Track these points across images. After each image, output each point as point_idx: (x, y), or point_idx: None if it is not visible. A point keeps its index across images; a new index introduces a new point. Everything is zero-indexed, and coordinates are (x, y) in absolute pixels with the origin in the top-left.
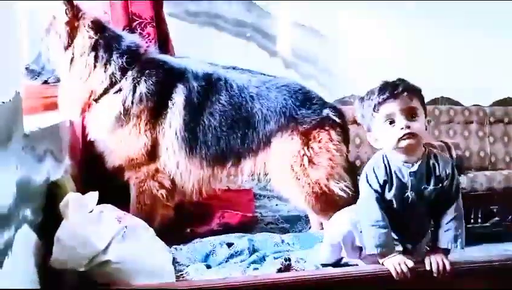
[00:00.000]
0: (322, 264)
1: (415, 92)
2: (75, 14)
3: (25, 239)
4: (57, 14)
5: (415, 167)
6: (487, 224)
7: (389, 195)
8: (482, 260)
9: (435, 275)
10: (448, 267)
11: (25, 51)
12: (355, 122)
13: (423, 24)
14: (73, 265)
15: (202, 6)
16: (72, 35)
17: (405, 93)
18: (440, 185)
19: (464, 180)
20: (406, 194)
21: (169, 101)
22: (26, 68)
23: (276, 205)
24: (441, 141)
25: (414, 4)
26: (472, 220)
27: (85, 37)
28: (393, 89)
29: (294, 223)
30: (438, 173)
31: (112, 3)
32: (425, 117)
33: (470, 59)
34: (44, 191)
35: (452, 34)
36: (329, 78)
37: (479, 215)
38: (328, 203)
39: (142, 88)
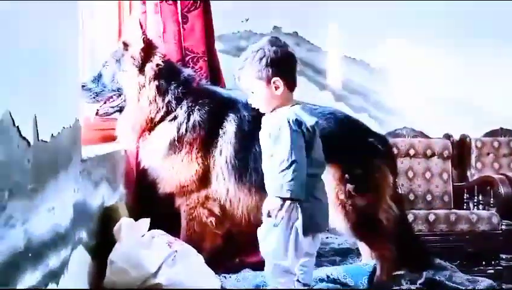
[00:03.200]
0: None
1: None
2: (148, 43)
3: (80, 259)
4: (130, 41)
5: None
6: None
7: None
8: None
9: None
10: (281, 215)
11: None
12: (407, 155)
13: (476, 52)
14: (125, 287)
15: (253, 42)
16: (145, 61)
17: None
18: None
19: None
20: None
21: (220, 130)
22: (83, 86)
23: (327, 237)
24: (502, 174)
25: (465, 32)
26: None
27: (153, 65)
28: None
29: (345, 256)
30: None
31: (165, 38)
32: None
33: None
34: (99, 215)
35: (507, 61)
36: (381, 111)
37: None
38: (373, 232)
39: (196, 116)
